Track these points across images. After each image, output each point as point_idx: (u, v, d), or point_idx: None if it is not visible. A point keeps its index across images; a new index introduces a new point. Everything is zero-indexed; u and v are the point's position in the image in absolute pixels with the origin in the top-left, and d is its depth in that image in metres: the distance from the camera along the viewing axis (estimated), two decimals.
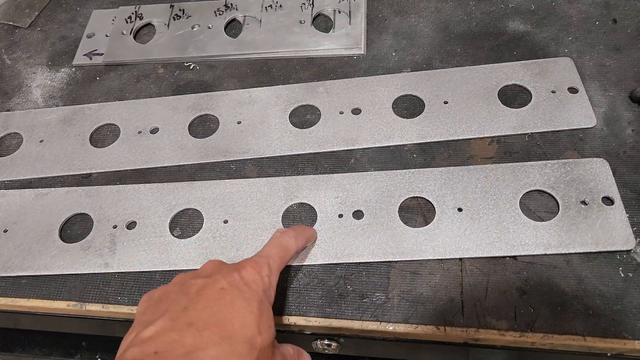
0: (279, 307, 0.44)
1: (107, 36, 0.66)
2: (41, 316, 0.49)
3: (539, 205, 0.47)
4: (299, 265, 0.46)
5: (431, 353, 0.51)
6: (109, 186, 0.53)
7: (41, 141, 0.57)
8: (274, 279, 0.39)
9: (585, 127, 0.51)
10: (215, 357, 0.32)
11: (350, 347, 0.48)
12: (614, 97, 0.53)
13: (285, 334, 0.46)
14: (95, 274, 0.48)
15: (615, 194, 0.46)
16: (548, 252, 0.44)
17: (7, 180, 0.55)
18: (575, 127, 0.51)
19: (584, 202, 0.46)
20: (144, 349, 0.32)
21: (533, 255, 0.45)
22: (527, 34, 0.60)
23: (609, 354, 0.42)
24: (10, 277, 0.49)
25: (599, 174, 0.48)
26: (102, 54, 0.64)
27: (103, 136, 0.57)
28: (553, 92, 0.54)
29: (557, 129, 0.51)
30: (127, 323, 0.45)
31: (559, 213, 0.46)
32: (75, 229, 0.51)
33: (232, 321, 0.34)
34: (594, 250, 0.44)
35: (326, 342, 0.47)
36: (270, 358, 0.36)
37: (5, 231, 0.51)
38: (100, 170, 0.54)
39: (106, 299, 0.47)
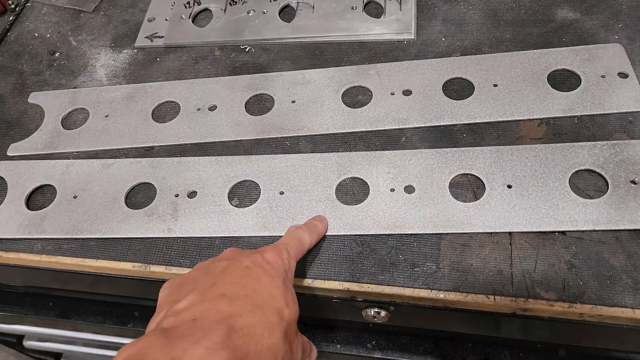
0: (334, 273, 0.47)
1: (166, 20, 0.69)
2: (106, 277, 0.52)
3: (588, 184, 0.48)
4: (352, 235, 0.48)
5: (462, 324, 0.52)
6: (170, 158, 0.56)
7: (106, 116, 0.61)
8: (292, 263, 0.41)
9: (635, 110, 0.52)
10: (251, 324, 0.34)
11: (399, 317, 0.50)
12: None
13: (338, 301, 0.48)
14: (159, 238, 0.51)
15: None
16: (597, 228, 0.45)
17: (75, 151, 0.58)
18: (625, 110, 0.52)
19: (633, 182, 0.47)
20: (180, 318, 0.34)
21: (582, 231, 0.46)
22: (576, 21, 0.61)
23: None
24: (79, 239, 0.52)
25: None
26: (162, 36, 0.67)
27: (164, 112, 0.60)
28: (603, 76, 0.54)
29: (606, 112, 0.52)
30: None
31: (608, 191, 0.47)
32: (139, 197, 0.54)
33: (261, 293, 0.36)
34: None
35: (376, 310, 0.48)
36: (295, 335, 0.38)
37: (75, 197, 0.54)
38: (162, 144, 0.57)
39: (169, 261, 0.49)
